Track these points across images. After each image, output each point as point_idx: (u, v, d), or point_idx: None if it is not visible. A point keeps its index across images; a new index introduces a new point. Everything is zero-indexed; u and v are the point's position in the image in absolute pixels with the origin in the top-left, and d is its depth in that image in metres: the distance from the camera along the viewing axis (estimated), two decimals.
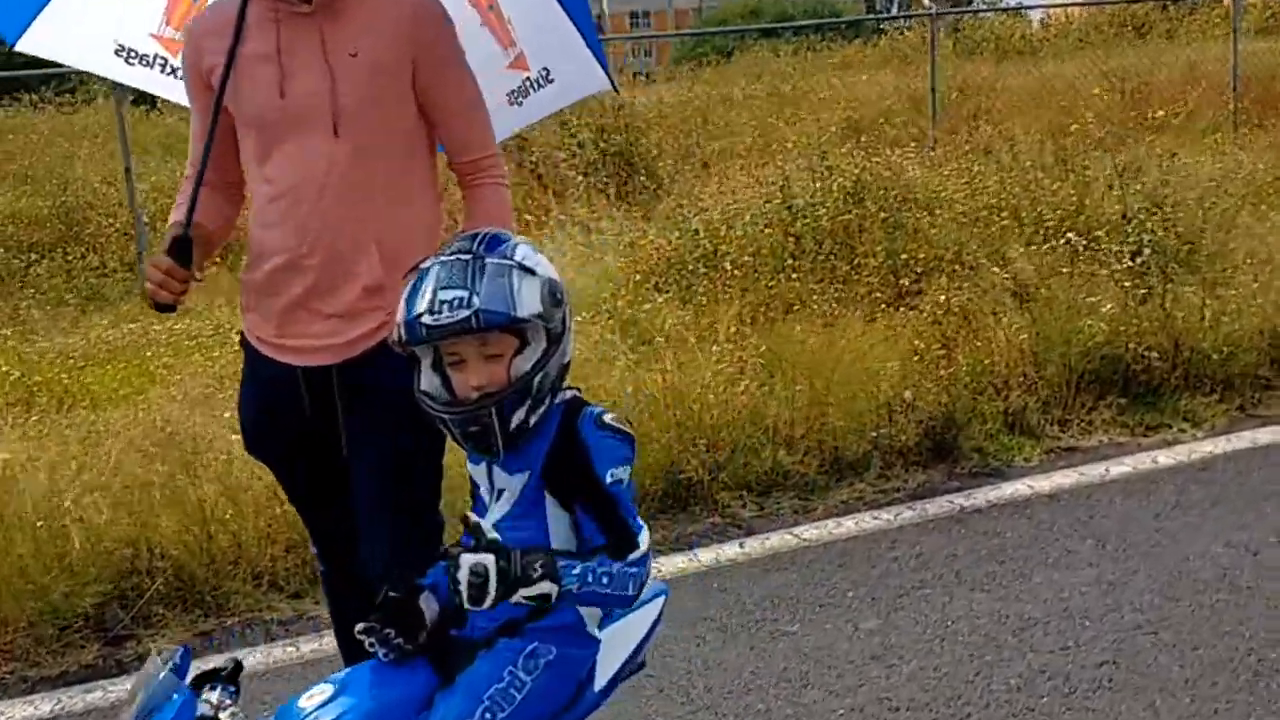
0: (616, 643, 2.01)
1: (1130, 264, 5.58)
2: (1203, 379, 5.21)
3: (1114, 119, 12.55)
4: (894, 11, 48.61)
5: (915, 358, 5.18)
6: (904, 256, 6.08)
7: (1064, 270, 5.66)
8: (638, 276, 6.43)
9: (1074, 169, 7.12)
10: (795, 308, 5.79)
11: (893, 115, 13.83)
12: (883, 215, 6.40)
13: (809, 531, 4.27)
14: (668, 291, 6.22)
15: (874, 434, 4.77)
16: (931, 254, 6.15)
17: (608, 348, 5.15)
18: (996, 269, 5.92)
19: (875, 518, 4.35)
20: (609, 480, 1.87)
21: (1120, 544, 3.93)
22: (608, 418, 1.92)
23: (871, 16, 22.82)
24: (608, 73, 2.97)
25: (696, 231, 6.66)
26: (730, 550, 4.16)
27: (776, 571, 3.96)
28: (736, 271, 6.12)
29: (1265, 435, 4.83)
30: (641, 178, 8.17)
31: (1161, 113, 10.27)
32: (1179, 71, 14.63)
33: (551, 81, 2.94)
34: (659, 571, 3.93)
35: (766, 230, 6.54)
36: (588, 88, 3.10)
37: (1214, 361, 5.21)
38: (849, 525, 4.30)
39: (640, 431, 4.55)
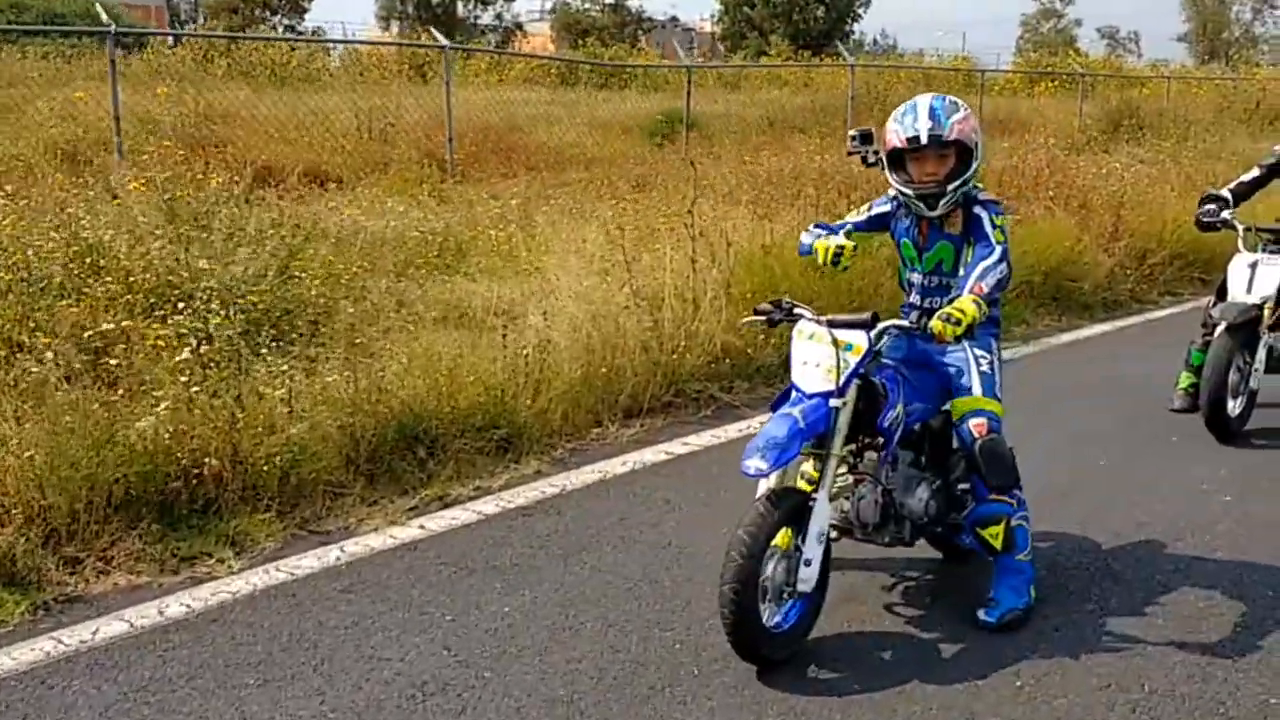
0: None
1: (195, 353, 4.72)
2: (263, 491, 4.49)
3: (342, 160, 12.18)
4: (199, 24, 46.10)
5: None
6: None
7: (113, 361, 4.67)
8: None
9: (197, 222, 6.24)
10: None
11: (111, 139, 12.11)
12: None
13: None
14: None
15: None
16: None
17: None
18: (52, 355, 4.77)
19: None
20: None
21: None
22: None
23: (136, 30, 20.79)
24: None
25: None
26: None
27: None
28: None
29: (308, 561, 4.18)
30: None
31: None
32: (428, 114, 14.68)
33: None
34: None
35: None
36: None
37: (275, 469, 4.50)
38: None
39: None
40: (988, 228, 3.66)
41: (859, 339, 3.49)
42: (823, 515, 3.45)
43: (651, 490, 4.98)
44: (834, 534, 3.69)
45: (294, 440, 4.59)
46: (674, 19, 60.14)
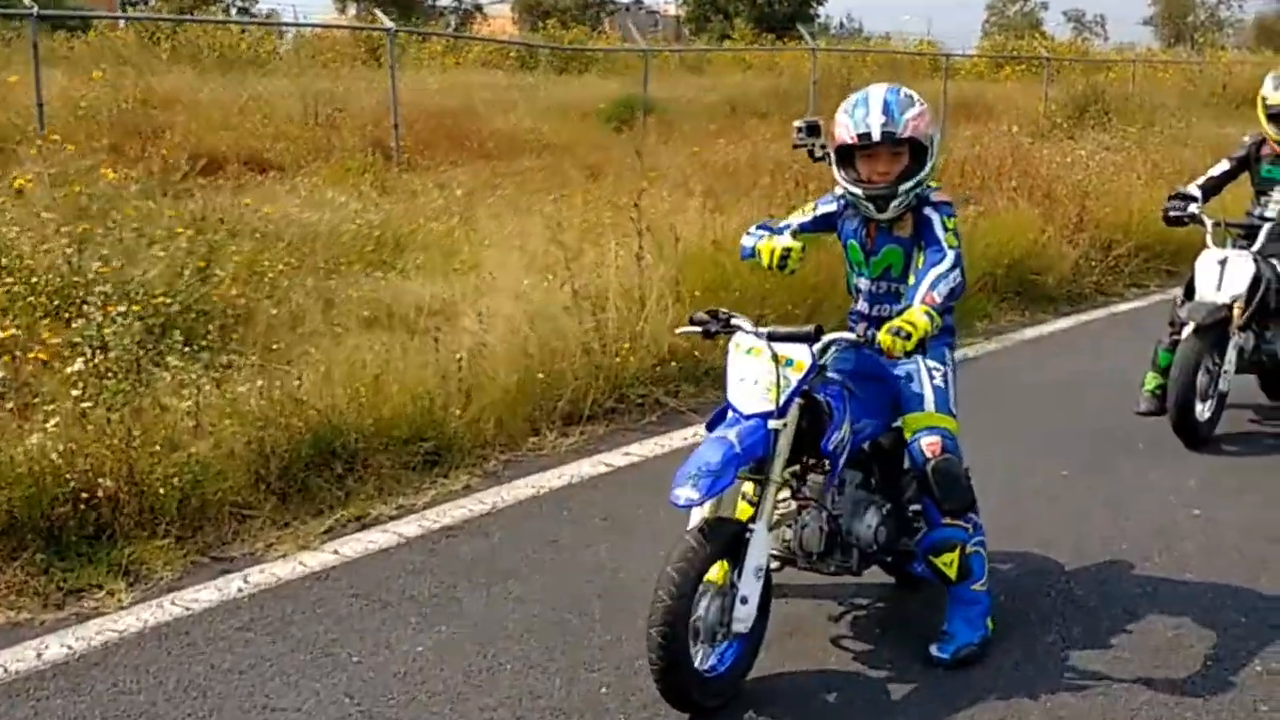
0: None
1: (90, 363, 4.35)
2: (161, 514, 4.13)
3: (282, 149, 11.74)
4: (149, 4, 45.15)
5: None
6: None
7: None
8: None
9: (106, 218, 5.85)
10: None
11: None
12: None
13: None
14: None
15: None
16: None
17: None
18: None
19: None
20: None
21: None
22: None
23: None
24: None
25: None
26: None
27: None
28: None
29: (207, 594, 3.83)
30: None
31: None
32: (377, 99, 14.22)
33: None
34: None
35: None
36: None
37: (175, 490, 4.14)
38: None
39: None
40: (939, 231, 3.35)
41: (801, 354, 3.18)
42: (761, 548, 3.14)
43: (588, 506, 4.66)
44: (775, 563, 3.39)
45: (197, 457, 4.24)
46: (638, 2, 59.60)
